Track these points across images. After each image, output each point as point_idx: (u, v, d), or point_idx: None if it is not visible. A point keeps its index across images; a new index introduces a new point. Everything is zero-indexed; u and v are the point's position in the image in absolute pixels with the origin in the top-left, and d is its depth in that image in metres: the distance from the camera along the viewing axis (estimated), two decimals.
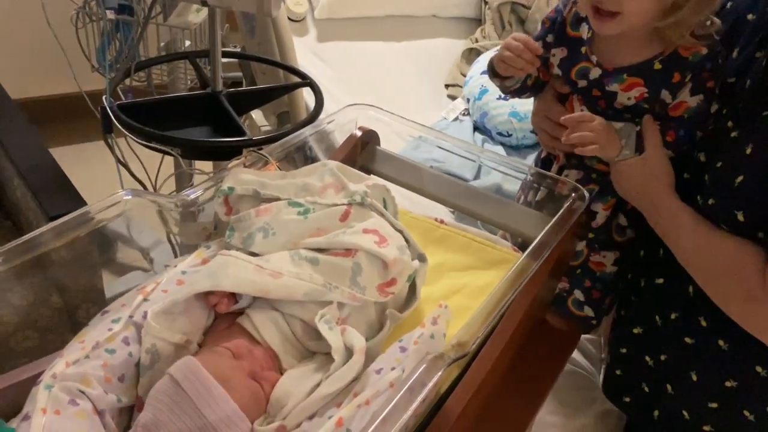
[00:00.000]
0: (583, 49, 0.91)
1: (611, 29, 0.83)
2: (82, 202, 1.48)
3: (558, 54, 0.96)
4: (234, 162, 0.88)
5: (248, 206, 0.80)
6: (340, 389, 0.62)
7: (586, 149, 0.90)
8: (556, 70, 0.94)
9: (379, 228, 0.77)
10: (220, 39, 1.27)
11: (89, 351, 0.63)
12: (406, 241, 0.81)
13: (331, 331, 0.66)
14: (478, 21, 2.38)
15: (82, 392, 0.59)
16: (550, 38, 0.97)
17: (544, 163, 1.04)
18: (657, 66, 0.85)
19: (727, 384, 0.86)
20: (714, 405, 0.90)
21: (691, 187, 0.86)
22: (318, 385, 0.63)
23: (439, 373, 0.57)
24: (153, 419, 0.59)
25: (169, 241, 0.89)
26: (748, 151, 0.77)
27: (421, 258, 0.82)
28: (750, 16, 0.86)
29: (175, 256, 0.90)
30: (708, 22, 0.84)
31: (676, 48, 0.84)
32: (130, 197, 0.75)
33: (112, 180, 1.42)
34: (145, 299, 0.69)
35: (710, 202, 0.82)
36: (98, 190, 1.42)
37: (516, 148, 1.87)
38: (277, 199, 0.79)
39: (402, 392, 0.55)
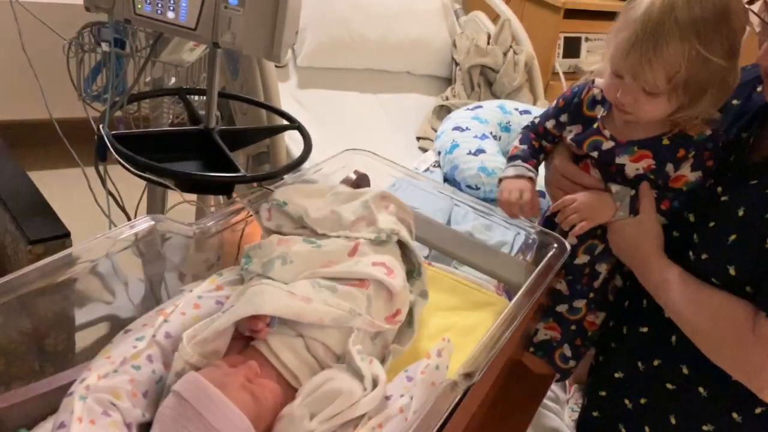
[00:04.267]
0: (597, 125, 0.99)
1: (632, 119, 0.93)
2: (62, 227, 1.47)
3: (573, 130, 1.03)
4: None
5: (283, 222, 0.88)
6: (363, 414, 0.66)
7: (576, 230, 0.98)
8: (569, 143, 1.02)
9: (387, 261, 0.83)
10: (218, 78, 1.31)
11: (118, 366, 0.65)
12: (419, 274, 0.88)
13: (363, 361, 0.70)
14: (449, 80, 2.51)
15: (113, 404, 0.62)
16: (563, 118, 1.05)
17: (548, 220, 1.09)
18: (665, 141, 0.94)
19: (704, 428, 0.93)
20: None
21: (679, 244, 0.94)
22: None
23: (454, 401, 0.62)
24: None
25: (180, 271, 0.91)
26: (740, 213, 0.87)
27: (423, 295, 0.87)
28: (734, 101, 0.97)
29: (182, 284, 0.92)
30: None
31: (684, 127, 0.94)
32: (152, 223, 0.78)
33: (88, 207, 1.42)
34: (165, 320, 0.72)
35: (703, 257, 0.90)
36: (76, 216, 1.42)
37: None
38: (314, 231, 0.86)
39: (421, 418, 0.60)
